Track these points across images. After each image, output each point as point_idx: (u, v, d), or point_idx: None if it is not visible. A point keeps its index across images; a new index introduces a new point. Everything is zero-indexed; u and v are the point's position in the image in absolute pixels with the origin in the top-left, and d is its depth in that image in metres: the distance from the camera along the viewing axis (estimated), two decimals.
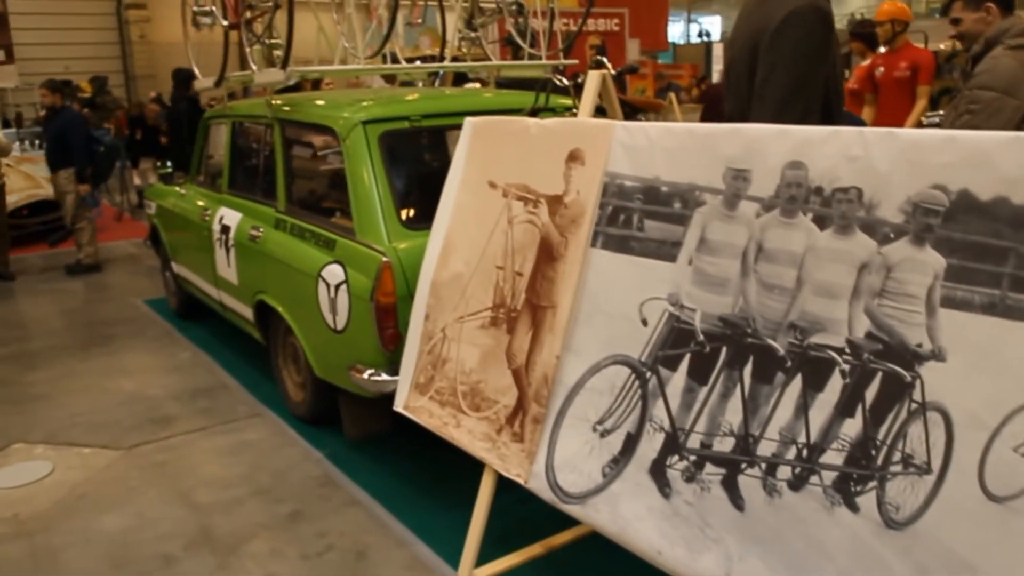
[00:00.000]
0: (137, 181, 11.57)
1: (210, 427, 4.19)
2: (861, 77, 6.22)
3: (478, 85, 11.25)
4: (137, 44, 21.01)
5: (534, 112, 3.63)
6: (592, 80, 2.83)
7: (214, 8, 4.51)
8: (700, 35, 34.32)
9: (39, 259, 8.67)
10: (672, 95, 8.04)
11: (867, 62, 6.27)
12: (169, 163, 6.25)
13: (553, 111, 3.77)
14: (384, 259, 3.23)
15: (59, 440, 4.13)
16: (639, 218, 2.54)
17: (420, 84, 7.12)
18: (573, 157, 2.76)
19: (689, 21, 34.56)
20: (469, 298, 3.07)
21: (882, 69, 6.02)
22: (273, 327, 4.25)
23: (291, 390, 4.24)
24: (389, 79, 8.28)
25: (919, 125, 5.94)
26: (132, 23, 20.97)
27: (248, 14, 4.17)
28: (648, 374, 2.45)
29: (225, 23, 4.44)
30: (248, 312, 4.40)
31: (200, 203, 5.04)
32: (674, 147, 2.46)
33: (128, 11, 20.96)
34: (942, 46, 16.93)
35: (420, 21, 5.73)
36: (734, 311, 2.28)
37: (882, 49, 6.13)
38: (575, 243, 2.70)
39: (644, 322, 2.49)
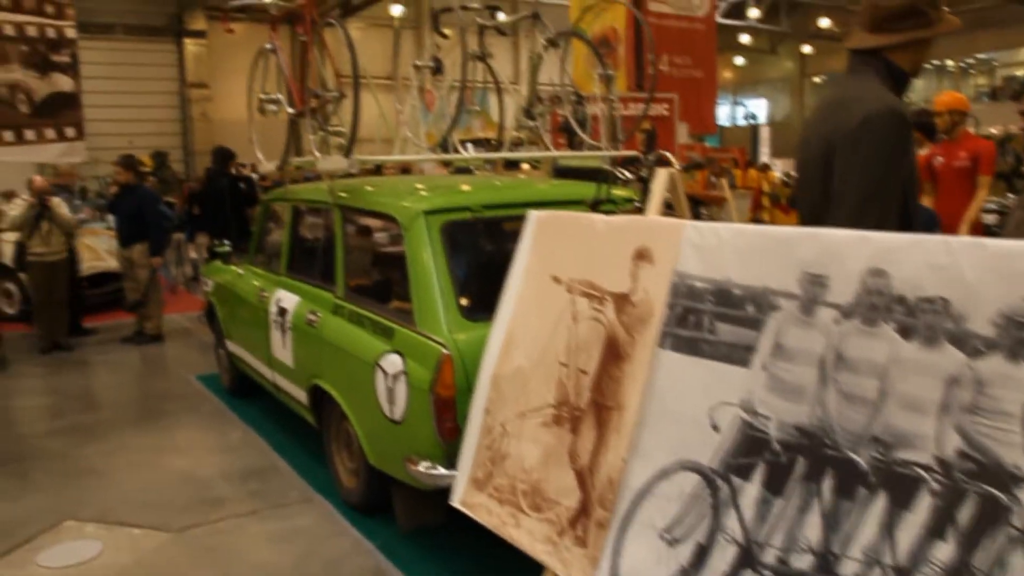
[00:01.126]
0: (193, 255, 11.83)
1: (261, 511, 4.15)
2: (920, 167, 6.16)
3: (527, 167, 11.38)
4: (198, 121, 21.82)
5: (595, 204, 3.64)
6: (660, 178, 2.82)
7: (280, 96, 4.64)
8: (746, 118, 34.63)
9: (97, 329, 8.84)
10: (724, 182, 8.04)
11: (925, 152, 6.22)
12: (226, 241, 6.37)
13: (613, 202, 3.77)
14: (444, 351, 3.21)
15: (110, 519, 4.12)
16: (710, 320, 2.50)
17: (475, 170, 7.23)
18: (641, 255, 2.74)
19: (735, 104, 34.90)
20: (531, 394, 3.02)
21: (941, 159, 5.96)
22: (327, 412, 4.23)
23: (343, 476, 4.19)
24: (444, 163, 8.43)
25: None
26: (194, 101, 21.82)
27: (313, 102, 4.27)
28: (719, 482, 2.37)
29: (290, 110, 4.56)
30: (302, 395, 4.40)
31: (257, 284, 5.11)
32: (746, 248, 2.42)
33: (191, 90, 21.85)
34: (993, 130, 16.84)
35: (477, 107, 5.84)
36: (811, 421, 2.20)
37: (941, 138, 6.09)
38: (643, 343, 2.66)
39: (715, 427, 2.41)
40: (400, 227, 3.59)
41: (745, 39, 29.12)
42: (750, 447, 2.31)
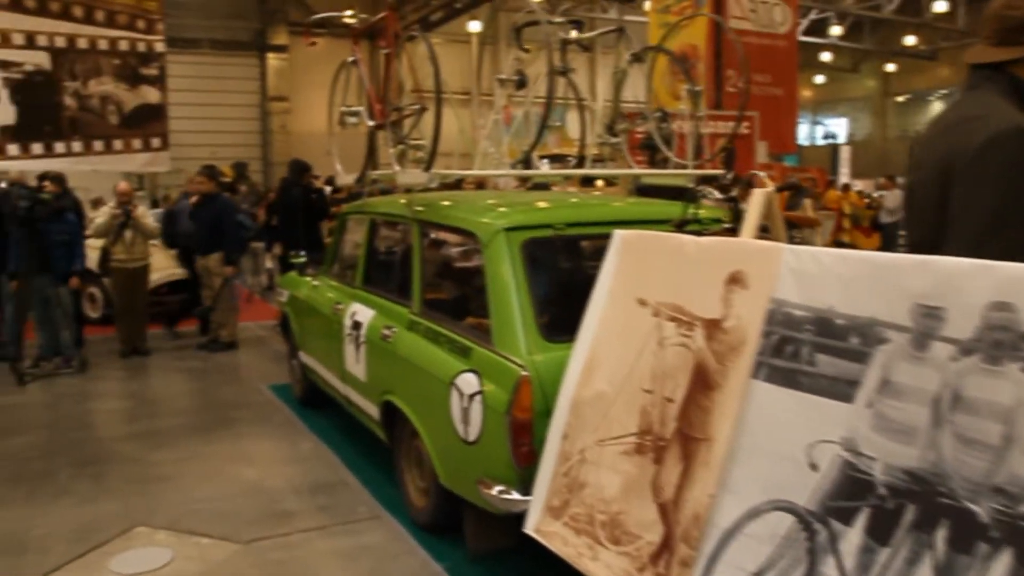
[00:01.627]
0: (269, 264, 12.03)
1: (329, 527, 4.11)
2: None
3: (601, 184, 11.22)
4: (277, 133, 22.32)
5: (681, 224, 3.51)
6: (757, 199, 2.69)
7: (361, 109, 4.64)
8: (825, 137, 33.83)
9: (172, 336, 9.03)
10: (808, 202, 7.78)
11: None
12: (302, 252, 6.41)
13: (699, 222, 3.63)
14: (523, 373, 3.11)
15: (180, 527, 4.13)
16: (809, 351, 2.34)
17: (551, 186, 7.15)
18: (734, 280, 2.60)
19: (814, 123, 34.15)
20: (612, 420, 2.90)
21: None
22: (398, 428, 4.17)
23: (413, 494, 4.13)
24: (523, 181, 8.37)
25: None
26: (274, 114, 22.34)
27: (394, 115, 4.25)
28: (816, 525, 2.21)
29: (371, 123, 4.55)
30: (374, 411, 4.35)
31: (332, 296, 5.11)
32: (851, 276, 2.27)
33: (271, 103, 22.38)
34: None
35: (557, 123, 5.76)
36: (923, 465, 2.04)
37: None
38: (735, 373, 2.52)
39: (813, 466, 2.26)
40: (479, 244, 3.51)
41: (826, 57, 28.43)
42: (852, 489, 2.15)
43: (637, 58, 4.70)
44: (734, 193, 3.34)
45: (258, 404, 6.33)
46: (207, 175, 8.38)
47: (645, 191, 4.86)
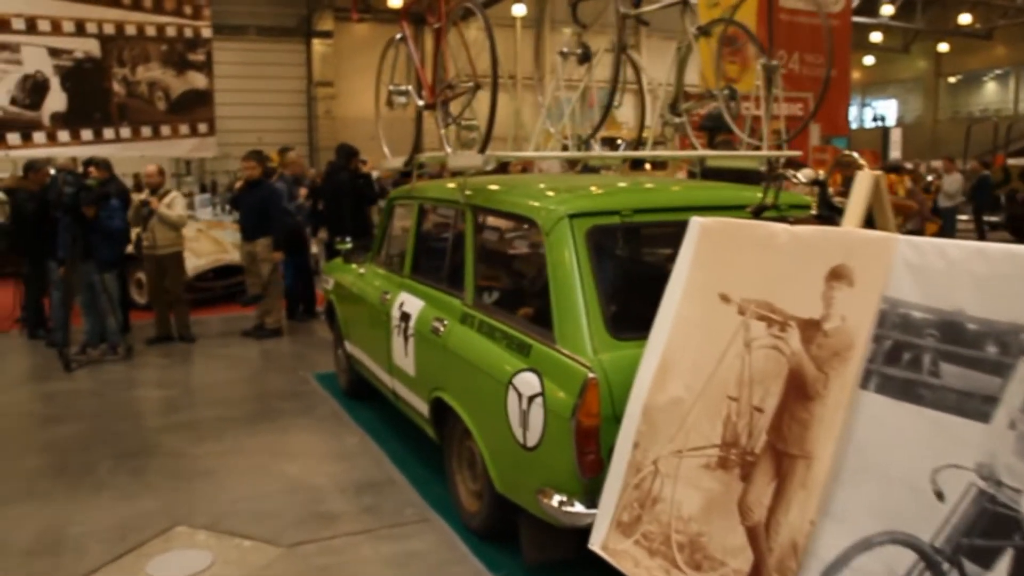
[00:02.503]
0: (314, 249, 11.87)
1: (375, 530, 3.88)
2: None
3: (648, 167, 10.80)
4: (322, 118, 22.22)
5: (759, 210, 3.19)
6: (863, 182, 2.36)
7: (410, 88, 4.37)
8: (875, 119, 32.80)
9: (219, 322, 8.91)
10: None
11: None
12: (348, 238, 6.19)
13: (777, 208, 3.29)
14: (590, 375, 2.82)
15: (221, 527, 3.93)
16: (932, 360, 2.02)
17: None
18: (837, 275, 2.28)
19: (863, 105, 33.15)
20: (690, 430, 2.61)
21: None
22: (449, 427, 3.92)
23: (464, 497, 3.88)
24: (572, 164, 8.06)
25: None
26: (319, 99, 22.24)
27: (446, 94, 3.97)
28: (946, 566, 1.89)
29: (420, 103, 4.28)
30: (423, 407, 4.11)
31: (380, 285, 4.87)
32: (987, 274, 1.94)
33: (317, 88, 22.28)
34: None
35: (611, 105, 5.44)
36: None
37: None
38: (839, 382, 2.20)
39: (939, 495, 1.94)
40: (540, 231, 3.22)
41: (876, 37, 27.45)
42: (991, 526, 1.83)
43: (704, 32, 4.36)
44: (823, 177, 3.01)
45: (303, 394, 6.14)
46: (256, 160, 8.20)
47: (709, 174, 4.52)
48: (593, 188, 3.55)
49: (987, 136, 20.49)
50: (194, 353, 7.61)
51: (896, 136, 22.44)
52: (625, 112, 4.81)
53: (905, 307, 2.11)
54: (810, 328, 2.32)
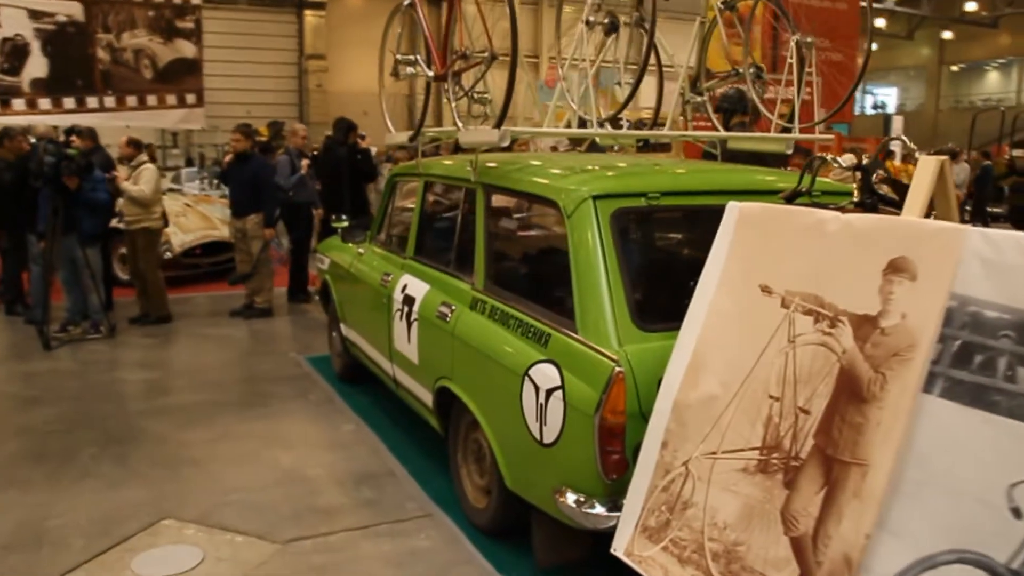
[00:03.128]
0: None
1: (375, 526, 3.68)
2: None
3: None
4: (314, 92, 21.85)
5: (792, 196, 2.99)
6: (927, 168, 2.16)
7: (418, 57, 4.13)
8: (875, 107, 32.67)
9: (207, 301, 8.66)
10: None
11: None
12: (345, 216, 5.94)
13: (809, 195, 3.09)
14: (617, 368, 2.63)
15: (211, 521, 3.72)
16: (1009, 363, 1.84)
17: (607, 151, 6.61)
18: (896, 268, 2.09)
19: (864, 92, 33.02)
20: (726, 430, 2.42)
21: None
22: (455, 418, 3.73)
23: (470, 492, 3.69)
24: (575, 143, 7.82)
25: None
26: (311, 72, 21.86)
27: (459, 65, 3.74)
28: None
29: (430, 73, 4.05)
30: (426, 396, 3.91)
31: (380, 267, 4.65)
32: None
33: (308, 61, 21.89)
34: None
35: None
36: None
37: None
38: (899, 384, 2.02)
39: (1016, 512, 1.76)
40: (562, 213, 3.01)
41: (879, 23, 27.25)
42: None
43: (729, 6, 4.15)
44: (866, 162, 2.82)
45: (295, 378, 5.92)
46: (244, 133, 7.91)
47: (731, 157, 4.33)
48: (616, 169, 3.34)
49: (991, 125, 20.40)
50: (181, 333, 7.36)
51: (897, 124, 22.34)
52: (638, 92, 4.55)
53: (976, 305, 1.92)
54: (865, 325, 2.14)
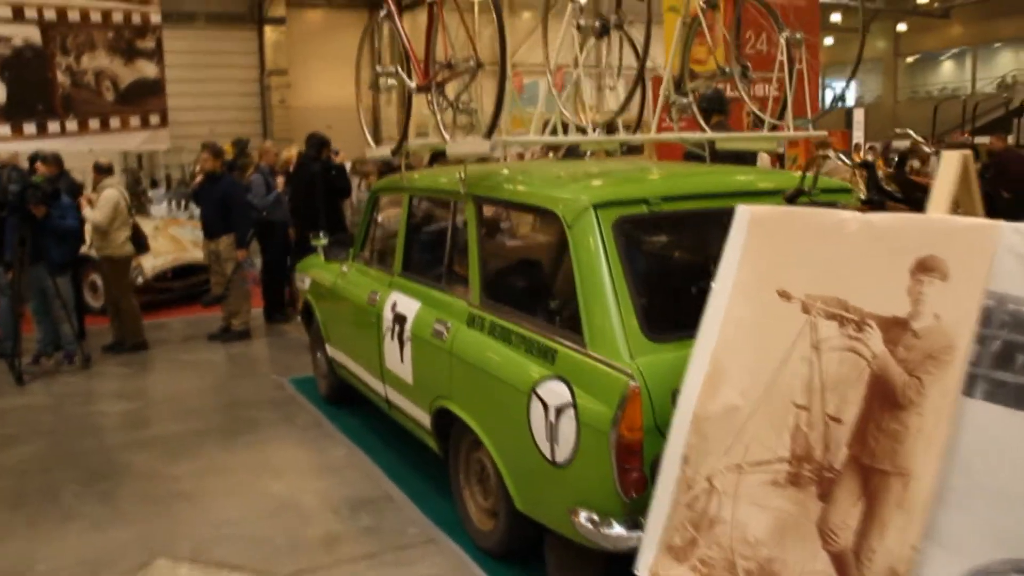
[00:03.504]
0: None
1: (377, 554, 3.55)
2: None
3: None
4: (277, 108, 21.57)
5: (794, 196, 2.93)
6: (951, 163, 2.10)
7: (399, 69, 4.02)
8: (834, 100, 33.01)
9: (182, 325, 8.44)
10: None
11: None
12: (322, 233, 5.78)
13: (808, 194, 3.02)
14: (632, 383, 2.53)
15: (206, 557, 3.57)
16: None
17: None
18: (926, 268, 2.02)
19: (823, 86, 33.39)
20: (750, 442, 2.33)
21: None
22: (455, 438, 3.61)
23: (475, 514, 3.57)
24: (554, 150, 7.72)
25: None
26: (273, 88, 21.58)
27: (443, 75, 3.64)
28: None
29: (412, 85, 3.94)
30: (423, 418, 3.79)
31: (367, 285, 4.51)
32: None
33: (270, 77, 21.61)
34: None
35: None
36: None
37: None
38: (937, 388, 1.94)
39: None
40: (562, 224, 2.91)
41: (835, 18, 27.63)
42: None
43: (711, 4, 4.09)
44: (870, 158, 2.76)
45: (280, 402, 5.76)
46: (212, 153, 7.72)
47: (713, 158, 4.26)
48: (612, 175, 3.25)
49: (951, 114, 20.69)
50: (158, 360, 7.15)
51: (859, 117, 22.56)
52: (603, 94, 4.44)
53: (1016, 303, 1.85)
54: (895, 327, 2.06)
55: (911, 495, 1.93)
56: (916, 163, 8.88)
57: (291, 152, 9.76)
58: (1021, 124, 19.51)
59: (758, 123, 8.53)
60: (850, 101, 32.63)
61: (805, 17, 15.36)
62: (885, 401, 2.04)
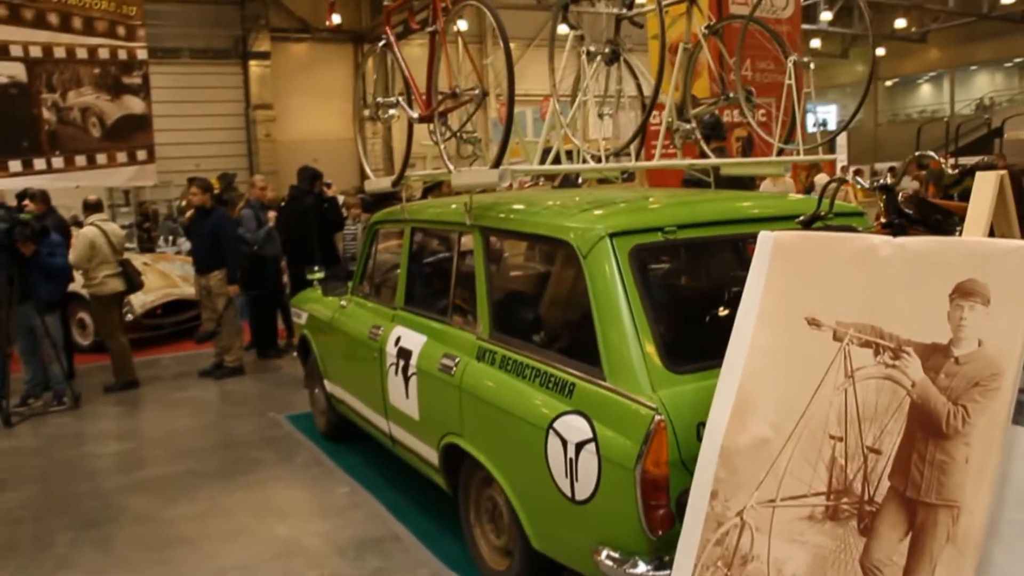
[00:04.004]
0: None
1: None
2: None
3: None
4: (263, 142, 21.55)
5: (810, 221, 2.88)
6: (986, 183, 2.04)
7: (400, 99, 3.96)
8: (816, 125, 33.34)
9: (174, 362, 8.31)
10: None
11: None
12: (317, 267, 5.69)
13: (823, 219, 2.97)
14: (657, 417, 2.45)
15: None
16: None
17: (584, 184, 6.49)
18: (966, 292, 1.96)
19: (805, 111, 33.74)
20: (783, 475, 2.25)
21: None
22: (465, 475, 3.51)
23: (487, 553, 3.46)
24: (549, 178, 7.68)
25: None
26: (259, 123, 21.57)
27: (446, 104, 3.58)
28: None
29: (414, 115, 3.88)
30: (431, 454, 3.68)
31: (367, 319, 4.42)
32: None
33: (255, 111, 21.61)
34: None
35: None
36: None
37: None
38: (984, 417, 1.87)
39: None
40: (577, 253, 2.84)
41: (815, 44, 28.00)
42: None
43: (713, 30, 4.07)
44: (890, 181, 2.72)
45: (278, 440, 5.63)
46: (201, 187, 7.64)
47: (724, 183, 4.22)
48: (623, 204, 3.19)
49: (933, 136, 20.90)
50: (150, 398, 7.02)
51: (842, 140, 22.75)
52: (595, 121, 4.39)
53: None
54: (935, 354, 1.99)
55: (962, 529, 1.86)
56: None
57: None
58: (1002, 144, 19.74)
59: (747, 148, 8.52)
60: (832, 125, 33.02)
61: (789, 43, 15.48)
62: (928, 431, 1.97)
